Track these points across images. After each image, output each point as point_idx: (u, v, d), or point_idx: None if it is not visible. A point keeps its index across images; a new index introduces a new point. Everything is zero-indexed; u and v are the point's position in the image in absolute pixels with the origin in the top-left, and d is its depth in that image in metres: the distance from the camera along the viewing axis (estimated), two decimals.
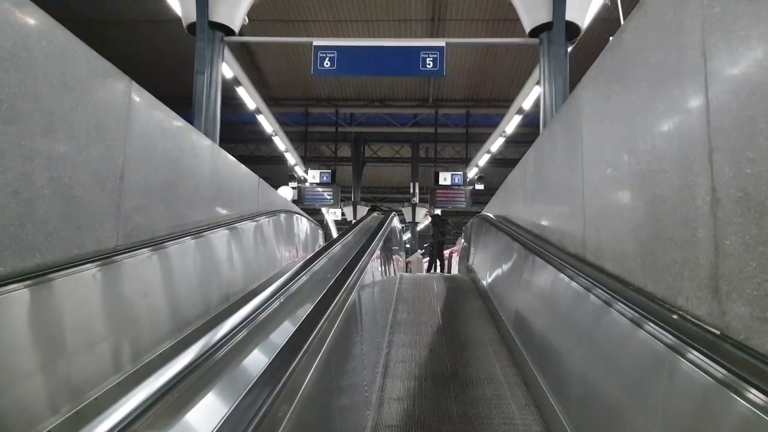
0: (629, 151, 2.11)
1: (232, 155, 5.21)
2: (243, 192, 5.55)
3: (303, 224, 8.15)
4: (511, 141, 14.80)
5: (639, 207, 1.97)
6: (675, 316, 1.59)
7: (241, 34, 8.07)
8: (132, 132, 3.09)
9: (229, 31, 7.29)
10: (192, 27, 7.10)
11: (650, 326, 1.69)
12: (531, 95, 9.99)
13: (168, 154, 3.76)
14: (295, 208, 7.82)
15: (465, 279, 7.47)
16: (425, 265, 14.79)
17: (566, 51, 6.47)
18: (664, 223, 1.75)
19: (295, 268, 3.88)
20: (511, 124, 11.86)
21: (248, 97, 10.44)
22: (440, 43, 6.69)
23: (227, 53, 9.12)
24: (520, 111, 10.91)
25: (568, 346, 2.71)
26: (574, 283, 2.65)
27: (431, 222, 13.76)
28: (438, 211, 14.92)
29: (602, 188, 2.53)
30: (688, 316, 1.54)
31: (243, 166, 5.55)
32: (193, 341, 2.31)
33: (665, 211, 1.74)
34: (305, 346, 1.69)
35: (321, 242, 9.18)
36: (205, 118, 6.52)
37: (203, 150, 4.49)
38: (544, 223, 3.77)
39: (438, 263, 12.66)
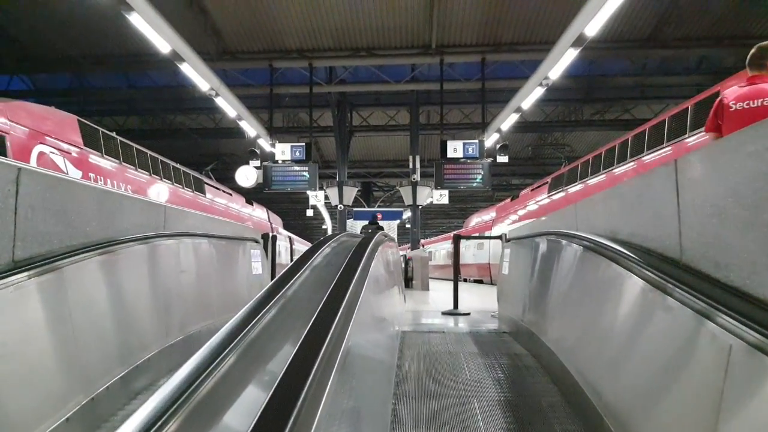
0: None
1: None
2: None
3: (188, 250, 4.10)
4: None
5: None
6: None
7: None
8: None
9: None
10: None
11: None
12: (604, 10, 6.10)
13: None
14: (187, 222, 3.97)
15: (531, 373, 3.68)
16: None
17: None
18: None
19: None
20: (560, 64, 7.83)
21: (151, 30, 6.46)
22: None
23: None
24: (578, 41, 6.97)
25: None
26: None
27: None
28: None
29: None
30: None
31: None
32: None
33: None
34: None
35: (260, 272, 5.22)
36: None
37: None
38: None
39: None
